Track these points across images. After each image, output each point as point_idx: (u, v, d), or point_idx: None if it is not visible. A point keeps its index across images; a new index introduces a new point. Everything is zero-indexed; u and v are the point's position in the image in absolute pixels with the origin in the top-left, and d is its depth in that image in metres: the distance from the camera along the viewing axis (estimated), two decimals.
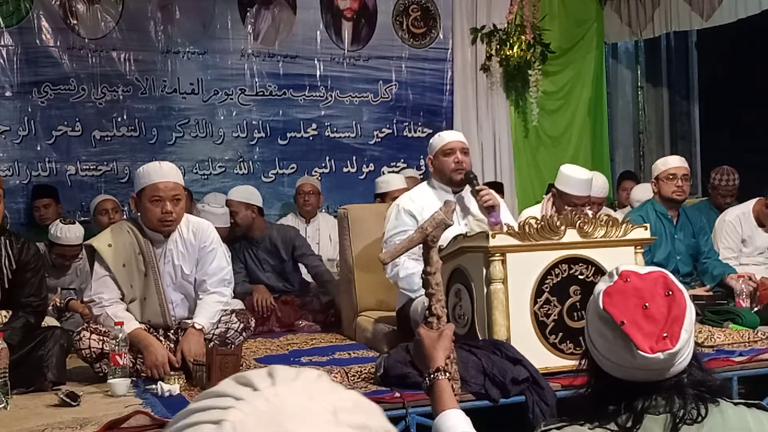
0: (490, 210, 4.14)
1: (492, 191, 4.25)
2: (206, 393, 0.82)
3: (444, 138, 4.39)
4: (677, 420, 1.52)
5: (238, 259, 5.51)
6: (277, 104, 7.18)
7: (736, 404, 1.59)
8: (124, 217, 5.75)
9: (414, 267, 4.07)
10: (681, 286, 1.59)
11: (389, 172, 7.11)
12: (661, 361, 1.52)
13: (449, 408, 1.92)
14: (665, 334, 1.51)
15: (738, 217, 5.42)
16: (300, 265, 5.72)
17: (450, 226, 2.49)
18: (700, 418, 1.52)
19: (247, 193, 5.65)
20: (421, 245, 2.62)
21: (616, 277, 1.59)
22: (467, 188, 4.34)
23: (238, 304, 4.64)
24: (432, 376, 2.02)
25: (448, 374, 2.03)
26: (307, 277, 5.77)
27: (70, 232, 5.16)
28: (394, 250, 2.51)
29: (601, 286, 1.59)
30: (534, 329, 3.52)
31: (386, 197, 6.05)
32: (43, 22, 6.51)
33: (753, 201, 5.44)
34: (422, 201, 4.27)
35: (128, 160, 6.68)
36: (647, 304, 1.53)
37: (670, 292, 1.55)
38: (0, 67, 6.41)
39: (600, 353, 1.59)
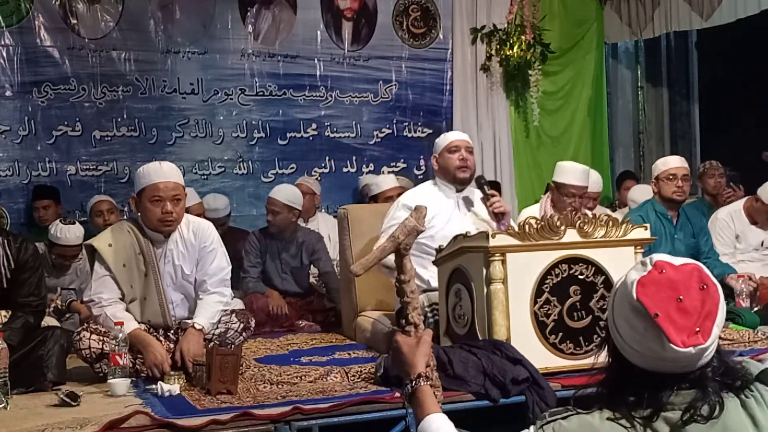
0: (500, 217, 4.24)
1: (498, 196, 4.36)
2: None
3: (449, 137, 4.52)
4: (690, 417, 1.51)
5: (258, 253, 5.53)
6: (277, 104, 7.18)
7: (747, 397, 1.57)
8: (125, 217, 5.75)
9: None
10: (715, 280, 1.57)
11: (388, 172, 7.12)
12: (691, 355, 1.51)
13: (433, 412, 1.87)
14: (698, 329, 1.51)
15: (730, 214, 5.56)
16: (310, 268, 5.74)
17: (422, 232, 2.42)
18: (715, 413, 1.51)
19: (293, 196, 5.61)
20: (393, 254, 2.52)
21: (650, 267, 1.57)
22: (470, 187, 4.42)
23: (238, 304, 4.64)
24: (413, 382, 1.95)
25: (429, 381, 1.97)
26: (312, 279, 5.78)
27: (70, 233, 5.15)
28: (366, 262, 2.41)
29: (634, 275, 1.57)
30: (534, 329, 3.52)
31: (379, 198, 6.06)
32: (43, 21, 6.50)
33: (744, 199, 5.66)
34: (425, 198, 4.28)
35: (128, 160, 6.68)
36: (681, 297, 1.52)
37: (705, 286, 1.54)
38: (0, 67, 6.41)
39: (625, 342, 1.57)
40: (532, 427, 1.62)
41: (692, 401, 1.52)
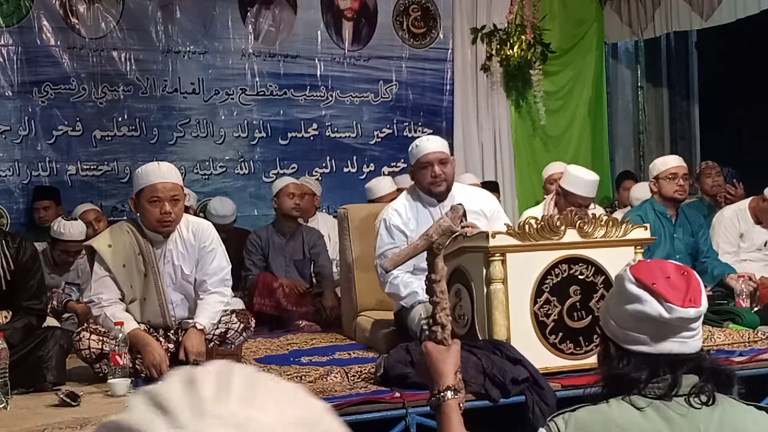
0: None
1: (477, 226, 4.06)
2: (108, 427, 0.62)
3: (421, 149, 4.20)
4: (692, 397, 1.61)
5: (259, 251, 5.65)
6: (277, 104, 7.18)
7: (738, 402, 1.67)
8: (125, 218, 5.74)
9: (414, 282, 4.06)
10: (691, 269, 1.71)
11: (389, 172, 7.12)
12: (691, 318, 1.62)
13: None
14: (690, 298, 1.64)
15: (735, 212, 5.55)
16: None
17: (456, 233, 2.44)
18: (711, 401, 1.61)
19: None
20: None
21: (633, 263, 1.71)
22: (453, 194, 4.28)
23: (239, 304, 4.65)
24: (441, 394, 1.91)
25: (458, 393, 1.93)
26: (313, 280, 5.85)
27: (73, 228, 5.17)
28: (397, 258, 2.43)
29: (624, 267, 1.70)
30: (534, 329, 3.52)
31: (379, 203, 6.08)
32: (44, 21, 6.51)
33: (749, 199, 5.62)
34: (407, 213, 4.24)
35: (129, 160, 6.68)
36: (669, 276, 1.65)
37: (685, 273, 1.68)
38: (0, 67, 6.42)
39: (628, 332, 1.66)
40: (541, 429, 1.65)
41: (696, 384, 1.62)
